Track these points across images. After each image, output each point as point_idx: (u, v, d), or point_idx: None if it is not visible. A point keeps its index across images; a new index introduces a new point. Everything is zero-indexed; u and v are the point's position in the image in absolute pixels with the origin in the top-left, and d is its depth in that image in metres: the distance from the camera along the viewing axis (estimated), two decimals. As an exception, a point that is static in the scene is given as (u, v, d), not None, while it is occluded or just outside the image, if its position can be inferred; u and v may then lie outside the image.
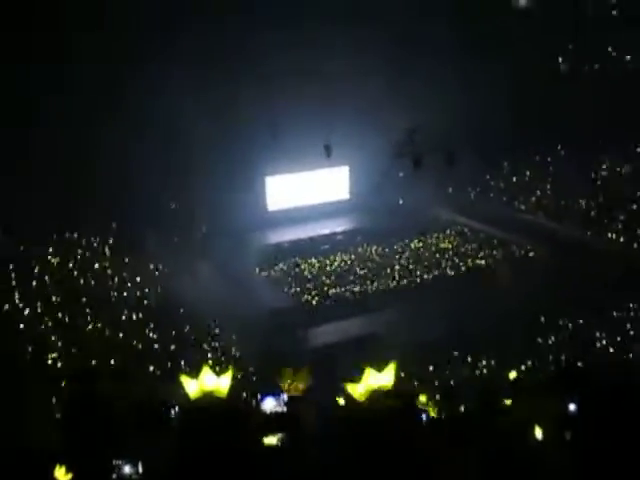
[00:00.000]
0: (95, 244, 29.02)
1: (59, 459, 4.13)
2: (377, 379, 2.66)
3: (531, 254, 30.73)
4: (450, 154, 22.71)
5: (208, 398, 2.95)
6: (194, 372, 3.03)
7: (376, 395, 2.62)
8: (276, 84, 30.03)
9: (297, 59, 30.66)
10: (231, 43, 29.35)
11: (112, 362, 18.45)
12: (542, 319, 22.09)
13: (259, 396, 7.91)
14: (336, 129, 28.56)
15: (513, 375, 11.68)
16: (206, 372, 3.03)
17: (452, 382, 16.95)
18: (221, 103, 29.54)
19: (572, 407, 4.26)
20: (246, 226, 31.64)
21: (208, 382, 3.03)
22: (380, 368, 2.76)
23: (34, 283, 23.91)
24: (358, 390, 2.67)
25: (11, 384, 14.12)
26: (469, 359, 19.41)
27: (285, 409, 6.66)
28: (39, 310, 21.87)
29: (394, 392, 2.57)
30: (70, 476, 4.10)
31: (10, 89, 25.87)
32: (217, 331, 22.22)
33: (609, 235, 29.95)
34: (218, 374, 2.94)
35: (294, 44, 30.12)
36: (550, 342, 20.79)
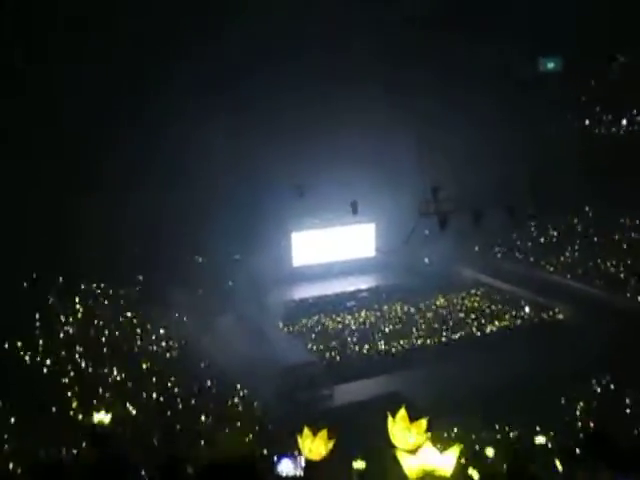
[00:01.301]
0: (121, 295, 29.27)
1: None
2: (436, 458, 2.39)
3: (559, 316, 30.20)
4: (476, 213, 22.61)
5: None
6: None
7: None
8: (303, 142, 30.49)
9: (324, 118, 31.21)
10: (259, 101, 30.00)
11: (132, 414, 18.35)
12: (569, 383, 21.51)
13: (275, 457, 7.54)
14: (362, 187, 28.76)
15: (541, 440, 11.28)
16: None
17: (477, 447, 16.45)
18: (249, 160, 30.02)
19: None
20: (271, 281, 31.64)
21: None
22: (442, 446, 2.46)
23: (61, 335, 24.11)
24: (410, 463, 2.39)
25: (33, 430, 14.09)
26: (494, 421, 18.85)
27: (302, 473, 6.29)
28: (63, 356, 22.01)
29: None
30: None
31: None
32: (239, 386, 21.95)
33: (639, 298, 29.36)
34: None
35: (321, 102, 30.70)
36: (578, 407, 20.19)
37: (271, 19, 29.38)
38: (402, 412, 2.66)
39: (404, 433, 2.63)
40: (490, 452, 10.93)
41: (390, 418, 2.65)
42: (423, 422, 2.60)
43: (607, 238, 34.86)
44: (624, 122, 38.35)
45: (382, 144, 31.94)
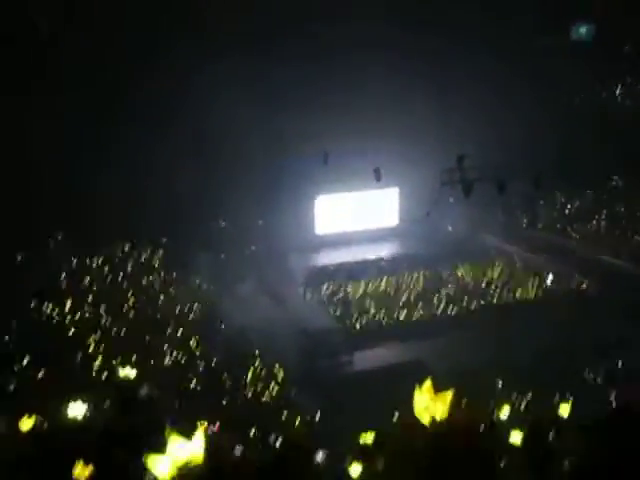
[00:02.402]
0: (144, 257, 29.56)
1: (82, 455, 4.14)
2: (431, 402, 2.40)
3: (583, 286, 29.96)
4: (501, 181, 22.34)
5: (186, 471, 2.71)
6: (161, 446, 2.75)
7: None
8: (328, 108, 30.20)
9: (348, 83, 30.89)
10: (285, 66, 29.69)
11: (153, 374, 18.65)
12: (591, 355, 21.44)
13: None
14: (386, 154, 28.49)
15: (564, 410, 11.18)
16: (174, 442, 2.76)
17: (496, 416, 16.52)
18: (274, 125, 29.83)
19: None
20: (293, 247, 31.68)
21: (178, 453, 2.76)
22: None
23: (90, 298, 24.45)
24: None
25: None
26: (512, 392, 18.89)
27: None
28: (87, 316, 22.42)
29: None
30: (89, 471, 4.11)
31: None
32: (257, 352, 22.16)
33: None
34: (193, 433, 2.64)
35: (345, 68, 30.32)
36: (599, 380, 20.16)
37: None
38: (428, 384, 2.62)
39: (429, 404, 2.61)
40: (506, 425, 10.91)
41: (417, 388, 2.60)
42: (448, 394, 2.57)
43: (634, 209, 34.37)
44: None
45: (407, 112, 31.50)
